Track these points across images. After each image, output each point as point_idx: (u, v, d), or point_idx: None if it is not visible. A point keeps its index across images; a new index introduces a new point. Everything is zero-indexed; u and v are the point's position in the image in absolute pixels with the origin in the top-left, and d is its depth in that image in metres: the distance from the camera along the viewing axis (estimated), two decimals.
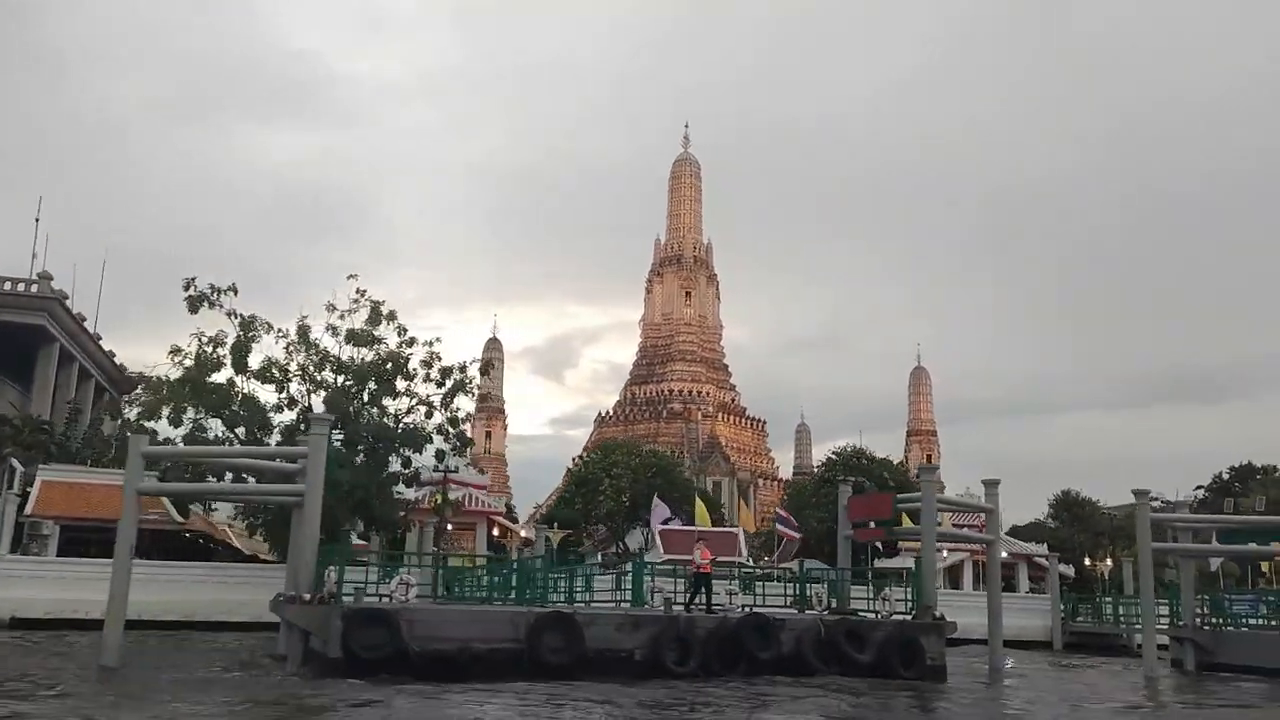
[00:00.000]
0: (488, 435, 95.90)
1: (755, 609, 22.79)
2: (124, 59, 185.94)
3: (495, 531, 38.84)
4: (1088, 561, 49.20)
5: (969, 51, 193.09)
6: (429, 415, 36.71)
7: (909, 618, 22.56)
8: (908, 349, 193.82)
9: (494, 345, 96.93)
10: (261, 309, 34.77)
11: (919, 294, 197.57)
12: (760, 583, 26.46)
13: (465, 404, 37.03)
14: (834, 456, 53.62)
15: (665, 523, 42.66)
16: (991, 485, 26.37)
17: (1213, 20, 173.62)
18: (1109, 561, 49.19)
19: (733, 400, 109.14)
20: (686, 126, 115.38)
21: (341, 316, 35.18)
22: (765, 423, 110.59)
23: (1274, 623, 26.91)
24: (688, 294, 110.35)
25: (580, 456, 63.96)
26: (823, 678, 19.88)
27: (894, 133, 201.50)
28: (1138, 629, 32.48)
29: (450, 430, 36.51)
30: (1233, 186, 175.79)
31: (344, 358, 34.94)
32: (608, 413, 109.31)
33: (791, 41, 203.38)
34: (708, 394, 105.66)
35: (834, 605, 24.37)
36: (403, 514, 39.42)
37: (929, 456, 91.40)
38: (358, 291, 36.18)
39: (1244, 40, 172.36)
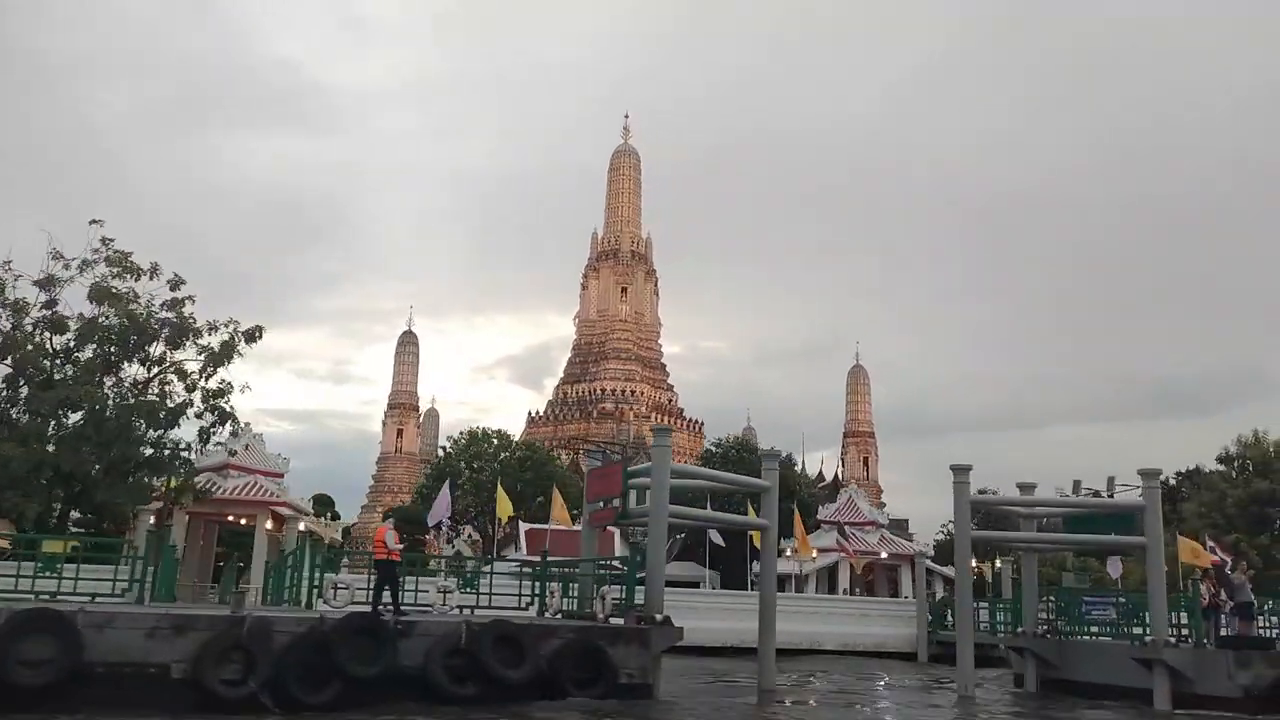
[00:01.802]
0: (399, 434, 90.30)
1: (477, 611, 17.71)
2: (112, 65, 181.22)
3: (269, 525, 33.37)
4: (974, 563, 43.79)
5: (968, 59, 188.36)
6: (191, 388, 31.37)
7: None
8: (897, 358, 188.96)
9: (408, 339, 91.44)
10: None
11: (911, 304, 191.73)
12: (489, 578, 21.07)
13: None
14: (713, 449, 48.11)
15: (450, 518, 37.29)
16: (770, 457, 21.05)
17: (1212, 29, 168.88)
18: (998, 562, 43.88)
19: (670, 401, 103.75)
20: (626, 117, 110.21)
21: (66, 266, 29.94)
22: (703, 424, 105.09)
23: (1126, 630, 21.41)
24: (624, 290, 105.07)
25: (443, 447, 58.09)
26: (456, 702, 14.54)
27: (887, 143, 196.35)
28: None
29: (208, 406, 31.12)
30: (1231, 197, 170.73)
31: (72, 314, 29.68)
32: (538, 413, 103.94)
33: (786, 49, 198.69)
34: (642, 393, 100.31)
35: (567, 609, 19.22)
36: (164, 504, 33.96)
37: (866, 460, 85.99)
38: (102, 241, 30.96)
39: (1241, 50, 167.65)
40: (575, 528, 50.00)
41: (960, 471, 20.93)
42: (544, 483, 51.87)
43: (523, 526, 44.44)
